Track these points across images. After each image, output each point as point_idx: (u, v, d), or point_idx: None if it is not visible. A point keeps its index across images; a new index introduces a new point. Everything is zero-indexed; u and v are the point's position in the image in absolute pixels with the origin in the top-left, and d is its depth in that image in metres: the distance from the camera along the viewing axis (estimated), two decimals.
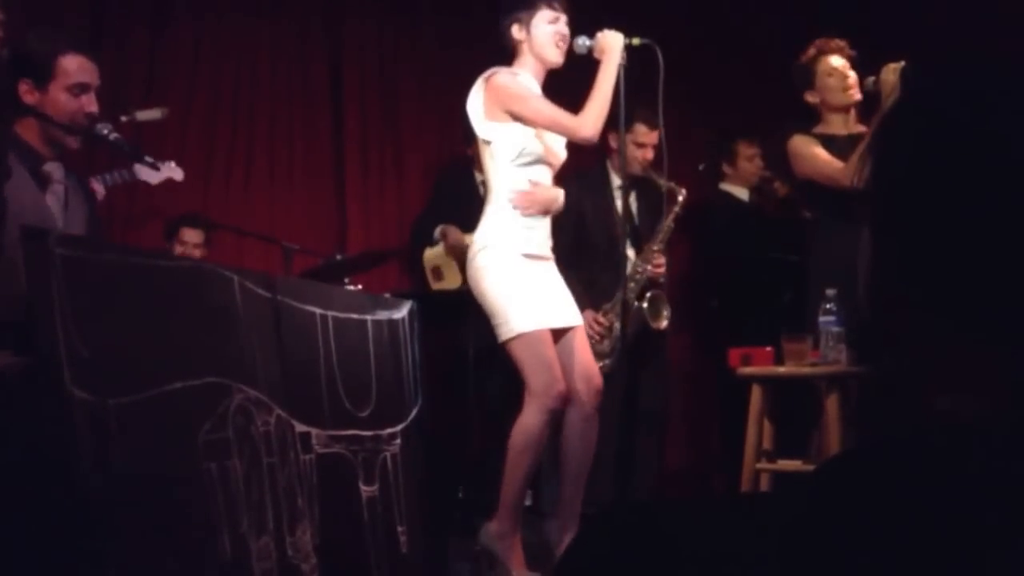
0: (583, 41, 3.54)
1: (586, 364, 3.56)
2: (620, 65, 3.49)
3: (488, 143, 3.53)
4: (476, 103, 3.52)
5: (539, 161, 3.52)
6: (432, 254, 5.09)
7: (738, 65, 5.99)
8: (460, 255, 4.95)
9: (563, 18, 3.53)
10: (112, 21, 5.09)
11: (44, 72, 2.83)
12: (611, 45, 3.48)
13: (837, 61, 3.94)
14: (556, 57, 3.54)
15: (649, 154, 4.72)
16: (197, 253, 4.78)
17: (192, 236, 4.80)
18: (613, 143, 4.70)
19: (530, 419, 3.38)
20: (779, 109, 4.36)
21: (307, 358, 2.81)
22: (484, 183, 5.12)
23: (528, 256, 3.47)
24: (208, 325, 2.44)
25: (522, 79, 3.53)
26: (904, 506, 0.66)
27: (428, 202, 5.34)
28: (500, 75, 3.50)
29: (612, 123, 4.48)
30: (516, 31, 3.55)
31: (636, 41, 3.52)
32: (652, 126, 4.65)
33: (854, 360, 3.62)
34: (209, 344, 2.42)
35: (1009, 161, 0.70)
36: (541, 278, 3.50)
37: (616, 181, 4.77)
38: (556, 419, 3.48)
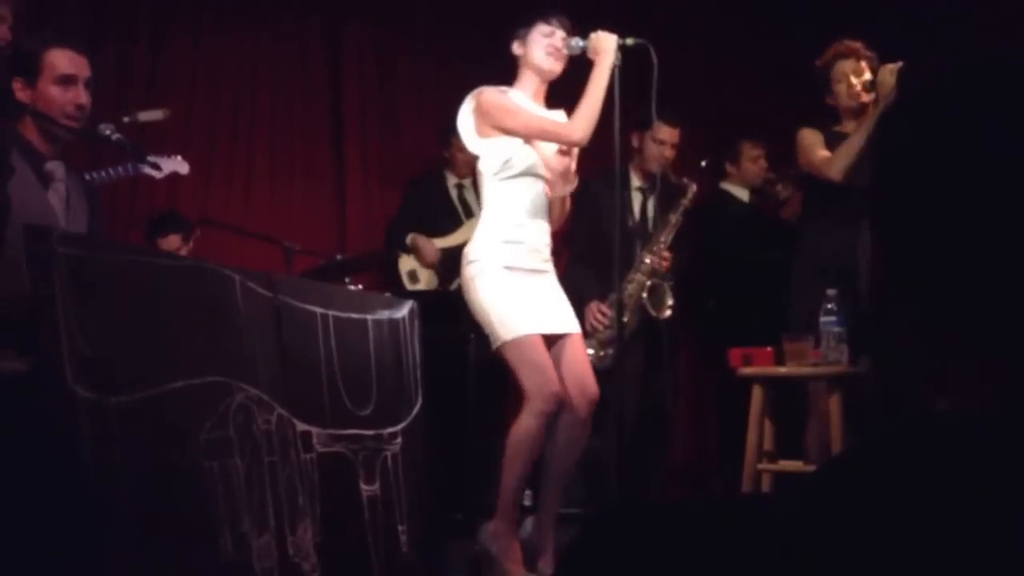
0: (576, 42, 3.56)
1: (581, 373, 3.58)
2: (615, 66, 3.50)
3: (478, 159, 3.60)
4: (466, 121, 3.58)
5: (527, 173, 3.55)
6: (406, 259, 5.13)
7: (740, 65, 5.99)
8: (432, 267, 5.00)
9: (559, 33, 3.57)
10: (114, 22, 5.10)
11: (32, 68, 2.85)
12: (604, 46, 3.50)
13: (848, 66, 3.97)
14: (548, 64, 3.58)
15: (669, 152, 4.75)
16: (183, 253, 4.77)
17: (169, 244, 4.74)
18: (636, 142, 4.74)
19: (525, 421, 3.43)
20: (782, 110, 4.37)
21: (308, 357, 2.81)
22: (459, 186, 5.19)
23: (510, 268, 3.51)
24: (209, 324, 2.45)
25: (511, 95, 3.58)
26: (904, 506, 0.67)
27: (400, 207, 5.34)
28: (487, 92, 3.55)
29: (636, 123, 4.51)
30: (516, 47, 3.62)
31: (630, 41, 3.54)
32: (673, 124, 4.69)
33: (854, 360, 3.63)
34: (210, 343, 2.43)
35: (1006, 160, 0.70)
36: (528, 288, 3.53)
37: (635, 182, 4.81)
38: (552, 421, 3.51)
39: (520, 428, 3.43)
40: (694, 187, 4.68)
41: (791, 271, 4.13)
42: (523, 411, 3.45)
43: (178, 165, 4.29)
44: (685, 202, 4.67)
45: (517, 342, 3.44)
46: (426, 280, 5.11)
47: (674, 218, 4.65)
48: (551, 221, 3.67)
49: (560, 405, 3.51)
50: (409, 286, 5.09)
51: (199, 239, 4.97)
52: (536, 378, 3.42)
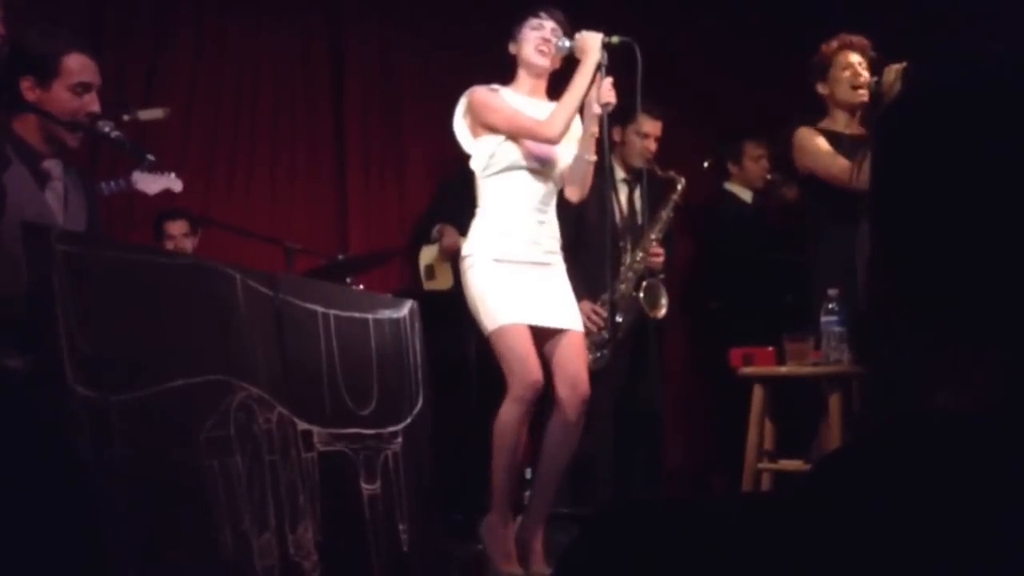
0: (563, 42, 3.58)
1: (574, 371, 3.61)
2: (600, 64, 3.51)
3: (469, 157, 3.64)
4: (461, 122, 3.62)
5: (513, 168, 3.59)
6: (427, 253, 5.10)
7: (740, 64, 5.99)
8: (454, 258, 4.95)
9: (548, 25, 3.60)
10: (114, 20, 5.10)
11: (47, 70, 2.81)
12: (588, 46, 3.52)
13: (855, 58, 3.95)
14: (538, 60, 3.61)
15: (652, 145, 4.73)
16: (188, 244, 4.84)
17: (176, 228, 4.85)
18: (616, 136, 4.71)
19: (506, 409, 3.51)
20: (784, 110, 4.36)
21: (309, 356, 2.81)
22: None
23: (501, 261, 3.55)
24: (210, 322, 2.44)
25: (501, 93, 3.62)
26: (901, 502, 0.67)
27: (429, 205, 5.34)
28: (476, 92, 3.60)
29: (618, 117, 4.49)
30: (511, 47, 3.67)
31: (615, 40, 3.55)
32: (655, 116, 4.67)
33: (855, 358, 3.62)
34: (211, 341, 2.43)
35: (1005, 160, 0.70)
36: (522, 279, 3.56)
37: (620, 174, 4.80)
38: (534, 411, 3.57)
39: (502, 416, 3.51)
40: (683, 181, 4.64)
41: (814, 274, 4.07)
42: (505, 399, 3.52)
43: (171, 183, 4.29)
44: (675, 197, 4.64)
45: (500, 331, 3.50)
46: (442, 276, 5.08)
47: (664, 214, 4.63)
48: (575, 187, 3.70)
49: (553, 404, 3.56)
50: (426, 281, 5.07)
51: (200, 238, 4.98)
52: (516, 366, 3.47)
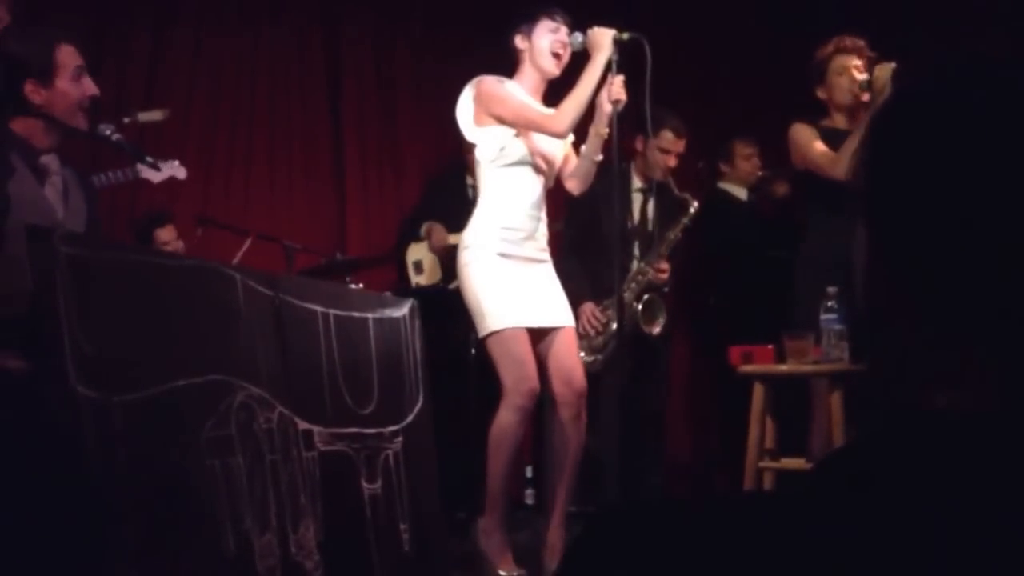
0: (577, 38, 3.57)
1: (567, 366, 3.60)
2: (611, 60, 3.51)
3: (474, 147, 3.62)
4: (465, 108, 3.59)
5: (521, 163, 3.57)
6: (415, 249, 5.11)
7: (737, 64, 6.00)
8: (442, 255, 4.96)
9: (564, 29, 3.58)
10: (114, 23, 5.11)
11: (46, 68, 2.82)
12: (599, 42, 3.52)
13: (851, 61, 3.94)
14: (552, 68, 3.60)
15: (673, 161, 4.73)
16: (180, 246, 4.83)
17: (167, 234, 4.83)
18: (639, 146, 4.72)
19: (502, 416, 3.47)
20: (778, 109, 4.36)
21: (309, 356, 2.82)
22: (475, 187, 5.15)
23: (506, 256, 3.53)
24: (211, 323, 2.45)
25: (507, 85, 3.59)
26: (902, 503, 0.67)
27: (417, 205, 5.35)
28: (486, 81, 3.57)
29: (640, 127, 4.51)
30: (519, 41, 3.63)
31: (625, 35, 3.55)
32: (679, 134, 4.68)
33: (854, 357, 3.63)
34: (212, 342, 2.43)
35: (1000, 159, 0.70)
36: (521, 278, 3.54)
37: (636, 183, 4.80)
38: (531, 416, 3.57)
39: (498, 424, 3.48)
40: (696, 204, 4.63)
41: (795, 270, 4.10)
42: (501, 406, 3.49)
43: (176, 170, 4.29)
44: (686, 220, 4.64)
45: (500, 334, 3.47)
46: (430, 272, 5.09)
47: (672, 235, 4.63)
48: (577, 183, 3.70)
49: (552, 403, 3.54)
50: (413, 276, 5.08)
51: (200, 239, 4.98)
52: (514, 373, 3.45)
